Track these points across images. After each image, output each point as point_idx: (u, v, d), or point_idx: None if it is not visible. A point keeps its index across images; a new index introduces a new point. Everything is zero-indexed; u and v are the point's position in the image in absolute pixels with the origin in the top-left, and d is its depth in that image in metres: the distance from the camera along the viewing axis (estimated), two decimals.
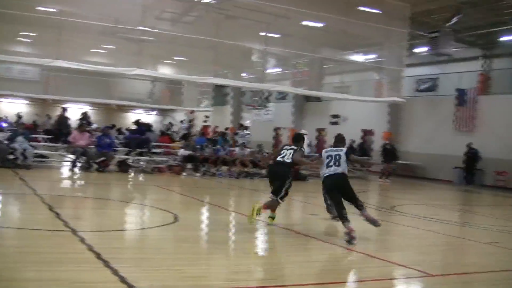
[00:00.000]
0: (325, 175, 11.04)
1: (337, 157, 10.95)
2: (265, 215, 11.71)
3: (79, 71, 28.32)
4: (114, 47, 35.85)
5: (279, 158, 11.83)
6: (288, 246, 10.30)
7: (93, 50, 37.25)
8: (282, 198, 11.61)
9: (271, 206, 11.78)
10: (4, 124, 24.33)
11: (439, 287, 7.58)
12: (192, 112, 46.37)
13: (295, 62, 34.49)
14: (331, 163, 10.95)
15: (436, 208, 18.05)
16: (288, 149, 11.83)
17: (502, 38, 28.21)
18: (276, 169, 11.84)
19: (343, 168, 10.93)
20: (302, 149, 12.30)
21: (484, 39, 29.05)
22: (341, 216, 10.65)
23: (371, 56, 32.44)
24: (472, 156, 27.04)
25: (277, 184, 11.68)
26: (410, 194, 22.96)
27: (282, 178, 11.60)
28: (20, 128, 23.70)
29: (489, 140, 27.12)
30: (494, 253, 10.62)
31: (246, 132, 30.57)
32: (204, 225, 12.50)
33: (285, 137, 40.10)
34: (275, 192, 11.62)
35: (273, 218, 11.97)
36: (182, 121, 40.75)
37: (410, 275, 8.12)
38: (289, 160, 11.67)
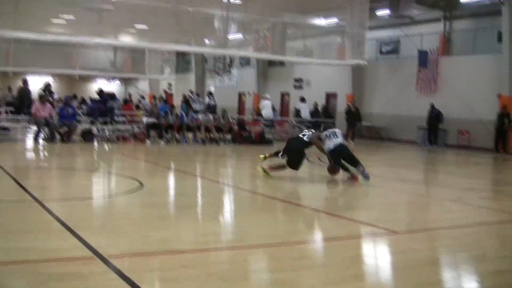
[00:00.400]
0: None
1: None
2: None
3: (39, 42, 27.97)
4: (74, 17, 35.34)
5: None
6: (255, 208, 10.39)
7: (52, 20, 36.69)
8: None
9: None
10: None
11: (404, 244, 7.68)
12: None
13: (257, 27, 34.36)
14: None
15: (400, 168, 18.27)
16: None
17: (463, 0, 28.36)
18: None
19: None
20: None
21: (445, 0, 29.17)
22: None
23: (333, 20, 32.42)
24: (435, 116, 27.32)
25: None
26: (374, 155, 23.16)
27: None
28: None
29: (451, 101, 27.39)
30: (457, 210, 10.80)
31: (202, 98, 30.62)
32: (170, 191, 12.50)
33: (249, 102, 40.11)
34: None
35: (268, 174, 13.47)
36: (143, 98, 40.32)
37: (376, 233, 8.22)
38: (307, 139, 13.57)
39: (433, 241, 8.04)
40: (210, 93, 33.36)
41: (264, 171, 13.46)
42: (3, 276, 5.58)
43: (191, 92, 34.48)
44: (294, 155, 13.60)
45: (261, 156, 14.00)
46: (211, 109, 27.82)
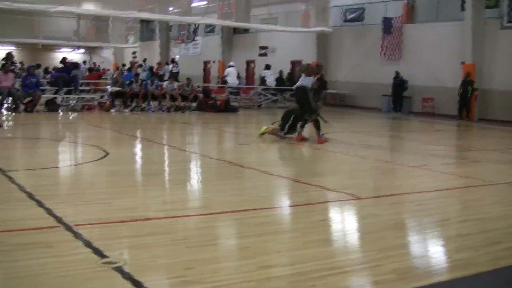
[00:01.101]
0: None
1: None
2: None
3: (1, 10, 27.51)
4: None
5: None
6: (220, 175, 10.41)
7: None
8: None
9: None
10: None
11: (369, 209, 7.76)
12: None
13: None
14: None
15: (365, 135, 18.41)
16: None
17: None
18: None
19: None
20: None
21: None
22: None
23: None
24: (399, 84, 27.47)
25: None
26: (339, 122, 23.24)
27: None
28: None
29: (415, 68, 27.55)
30: (421, 175, 10.93)
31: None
32: (136, 159, 12.46)
33: (214, 70, 39.97)
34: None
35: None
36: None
37: (340, 199, 8.30)
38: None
39: (397, 206, 8.14)
40: (173, 60, 33.20)
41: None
42: None
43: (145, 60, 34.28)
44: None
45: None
46: (173, 76, 27.62)
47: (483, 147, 16.90)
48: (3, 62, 23.85)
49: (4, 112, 20.70)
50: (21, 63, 34.85)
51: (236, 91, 28.75)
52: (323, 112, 25.56)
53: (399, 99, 27.69)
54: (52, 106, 22.09)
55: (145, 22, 45.32)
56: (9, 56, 27.11)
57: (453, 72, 25.86)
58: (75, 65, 26.83)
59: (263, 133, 14.78)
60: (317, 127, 14.41)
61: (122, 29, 47.07)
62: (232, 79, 29.26)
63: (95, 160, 10.73)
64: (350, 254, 5.80)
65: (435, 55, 26.92)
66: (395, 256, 5.60)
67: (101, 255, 5.23)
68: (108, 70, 37.55)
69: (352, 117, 26.66)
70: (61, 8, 25.59)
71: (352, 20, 32.46)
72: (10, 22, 38.54)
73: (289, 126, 14.54)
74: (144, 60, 34.88)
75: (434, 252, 6.11)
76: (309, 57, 32.41)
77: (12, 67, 24.70)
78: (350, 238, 6.51)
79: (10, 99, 21.06)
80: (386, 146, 16.75)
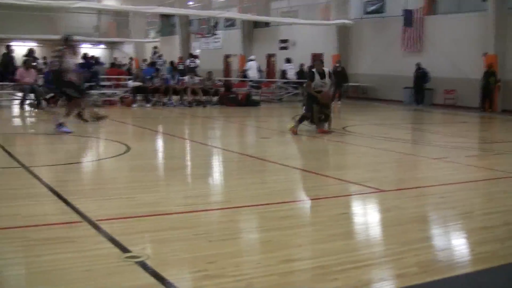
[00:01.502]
0: None
1: None
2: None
3: (22, 7, 27.71)
4: None
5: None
6: (243, 169, 10.42)
7: None
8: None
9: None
10: None
11: (391, 202, 7.73)
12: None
13: None
14: None
15: (387, 128, 18.31)
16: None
17: None
18: None
19: None
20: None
21: None
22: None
23: None
24: (421, 76, 27.28)
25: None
26: (361, 115, 23.21)
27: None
28: None
29: (437, 60, 27.34)
30: (443, 168, 10.86)
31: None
32: (158, 154, 12.50)
33: (235, 64, 39.96)
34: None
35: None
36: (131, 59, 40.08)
37: (363, 191, 8.26)
38: None
39: (420, 199, 8.09)
40: (191, 55, 33.19)
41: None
42: None
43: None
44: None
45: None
46: (191, 70, 27.62)
47: (507, 139, 16.76)
48: (25, 58, 23.97)
49: (27, 108, 20.84)
50: (44, 58, 34.99)
51: (257, 85, 28.74)
52: (345, 105, 25.58)
53: (421, 91, 27.50)
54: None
55: (166, 17, 45.36)
56: (30, 52, 27.27)
57: (475, 63, 25.64)
58: (96, 60, 26.95)
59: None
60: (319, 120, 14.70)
61: (142, 24, 47.20)
62: (253, 73, 29.25)
63: (117, 155, 10.77)
64: (372, 247, 5.78)
65: (457, 46, 26.70)
66: (418, 249, 5.57)
67: (124, 249, 5.25)
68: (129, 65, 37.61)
69: (374, 109, 26.55)
70: (82, 3, 25.73)
71: (372, 12, 32.30)
72: (31, 19, 38.82)
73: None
74: (159, 56, 34.82)
75: (458, 244, 6.08)
76: (330, 50, 32.36)
77: (34, 63, 24.84)
78: (373, 231, 6.48)
79: (32, 95, 21.18)
80: (408, 138, 16.67)
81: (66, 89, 13.99)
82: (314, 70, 15.35)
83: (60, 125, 13.85)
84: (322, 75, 15.10)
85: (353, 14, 32.14)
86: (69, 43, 13.95)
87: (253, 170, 10.34)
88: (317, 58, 16.40)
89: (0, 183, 8.37)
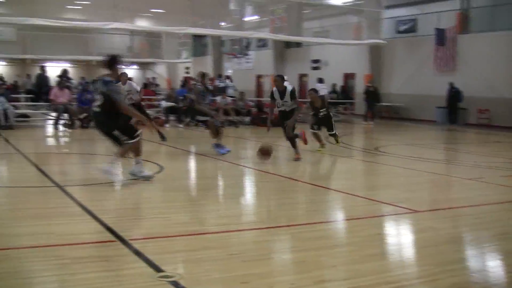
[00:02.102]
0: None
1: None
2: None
3: (56, 29, 28.12)
4: (89, 2, 35.43)
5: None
6: (275, 189, 10.39)
7: (68, 6, 36.87)
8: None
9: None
10: None
11: (425, 222, 7.66)
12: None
13: (273, 9, 34.28)
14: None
15: (420, 148, 18.16)
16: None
17: None
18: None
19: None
20: None
21: None
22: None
23: None
24: (454, 95, 27.06)
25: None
26: (394, 135, 23.08)
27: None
28: (0, 89, 23.55)
29: (470, 79, 27.13)
30: (478, 188, 10.74)
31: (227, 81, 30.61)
32: (191, 174, 12.52)
33: (267, 85, 40.02)
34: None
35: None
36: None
37: (396, 212, 8.19)
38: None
39: (454, 220, 8.02)
40: (219, 75, 33.29)
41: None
42: (26, 260, 5.64)
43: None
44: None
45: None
46: (220, 91, 27.64)
47: None
48: (59, 78, 24.27)
49: (61, 127, 21.05)
50: (82, 78, 35.32)
51: None
52: (378, 125, 25.46)
53: (454, 110, 27.27)
54: None
55: (198, 37, 45.64)
56: (64, 72, 27.60)
57: (509, 82, 25.41)
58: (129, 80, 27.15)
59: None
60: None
61: (175, 45, 47.49)
62: None
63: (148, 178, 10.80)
64: (407, 268, 5.73)
65: (491, 65, 26.49)
66: (453, 270, 5.51)
67: (157, 269, 5.26)
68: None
69: (407, 129, 26.39)
70: (115, 25, 25.92)
71: (404, 31, 32.22)
72: (65, 40, 39.31)
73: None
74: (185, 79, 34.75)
75: (493, 266, 6.00)
76: (362, 70, 32.33)
77: (67, 84, 25.14)
78: (407, 252, 6.42)
79: (66, 115, 21.40)
80: (442, 158, 16.51)
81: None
82: (274, 88, 14.19)
83: (218, 145, 14.17)
84: (282, 94, 13.91)
85: (385, 33, 32.06)
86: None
87: (286, 190, 10.33)
88: (279, 75, 15.22)
89: (35, 202, 8.46)
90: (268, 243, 6.62)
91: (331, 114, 15.32)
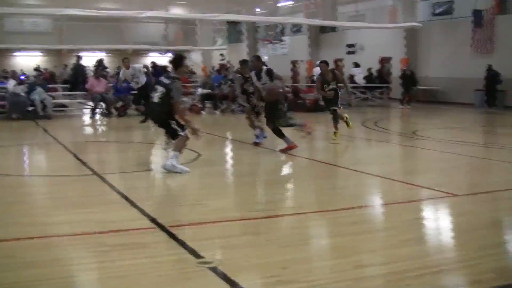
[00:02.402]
0: None
1: None
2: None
3: (91, 18, 28.32)
4: None
5: None
6: (312, 174, 10.39)
7: None
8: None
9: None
10: (22, 77, 24.32)
11: (465, 207, 7.58)
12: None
13: None
14: None
15: (458, 131, 17.97)
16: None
17: None
18: None
19: None
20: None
21: None
22: None
23: None
24: (492, 77, 26.62)
25: None
26: (431, 118, 22.85)
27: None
28: (38, 79, 23.81)
29: (509, 61, 26.65)
30: None
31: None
32: (227, 160, 12.54)
33: (303, 70, 39.91)
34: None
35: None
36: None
37: (435, 196, 8.12)
38: None
39: (494, 203, 7.93)
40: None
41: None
42: (66, 248, 5.72)
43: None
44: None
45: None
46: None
47: None
48: (95, 68, 24.45)
49: (97, 116, 21.23)
50: (118, 67, 35.51)
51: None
52: (414, 108, 25.25)
53: (493, 93, 26.84)
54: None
55: (232, 24, 45.66)
56: (100, 62, 27.77)
57: None
58: (164, 69, 27.29)
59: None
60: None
61: (209, 32, 47.57)
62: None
63: (188, 162, 10.83)
64: (446, 252, 5.68)
65: None
66: (495, 255, 5.45)
67: (196, 255, 5.28)
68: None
69: (444, 113, 26.08)
70: (150, 13, 26.07)
71: (440, 14, 31.80)
72: (100, 30, 39.58)
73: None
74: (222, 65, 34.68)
75: None
76: (398, 54, 32.04)
77: (103, 73, 25.34)
78: (446, 237, 6.37)
79: (102, 104, 21.58)
80: (481, 141, 16.30)
81: None
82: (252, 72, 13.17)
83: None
84: (258, 75, 12.84)
85: (421, 16, 31.70)
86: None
87: (324, 175, 10.30)
88: (254, 55, 14.28)
89: (74, 190, 8.56)
90: (306, 228, 6.62)
91: (338, 91, 14.36)
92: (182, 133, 9.73)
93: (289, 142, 12.23)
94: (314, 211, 7.30)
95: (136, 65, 18.40)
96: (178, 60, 10.12)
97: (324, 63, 14.49)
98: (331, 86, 14.10)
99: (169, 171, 9.62)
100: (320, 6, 33.15)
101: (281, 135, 12.40)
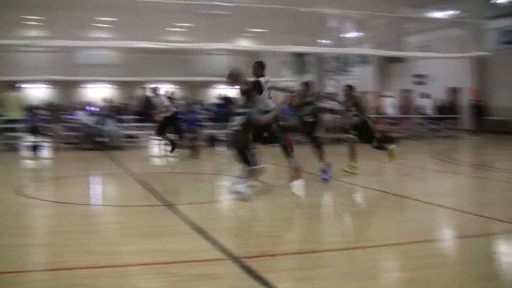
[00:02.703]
0: None
1: None
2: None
3: (159, 51, 28.80)
4: (191, 24, 36.16)
5: None
6: (383, 207, 10.23)
7: (169, 29, 37.76)
8: None
9: None
10: (93, 108, 24.82)
11: None
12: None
13: (374, 24, 33.97)
14: None
15: None
16: None
17: None
18: None
19: None
20: None
21: None
22: None
23: (451, 12, 31.68)
24: None
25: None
26: (503, 149, 22.36)
27: None
28: (107, 111, 24.26)
29: None
30: None
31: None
32: (298, 191, 12.44)
33: (371, 100, 39.67)
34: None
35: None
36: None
37: (511, 230, 7.90)
38: None
39: None
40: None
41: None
42: (137, 277, 5.75)
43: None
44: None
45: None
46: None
47: None
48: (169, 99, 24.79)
49: (165, 148, 21.45)
50: (186, 98, 35.97)
51: (394, 121, 28.33)
52: (485, 139, 24.75)
53: None
54: (212, 141, 22.70)
55: (298, 55, 45.80)
56: (172, 94, 28.13)
57: None
58: (230, 100, 27.52)
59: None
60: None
61: (275, 63, 47.79)
62: (389, 110, 28.97)
63: (258, 193, 10.80)
64: None
65: None
66: None
67: (270, 287, 5.23)
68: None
69: None
70: (217, 45, 26.37)
71: (510, 42, 31.27)
72: (168, 62, 40.20)
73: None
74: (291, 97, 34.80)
75: None
76: (466, 83, 31.56)
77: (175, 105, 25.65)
78: None
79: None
80: None
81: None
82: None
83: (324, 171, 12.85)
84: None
85: (490, 45, 31.23)
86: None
87: (395, 207, 10.13)
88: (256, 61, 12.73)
89: (144, 220, 8.63)
90: (380, 261, 6.51)
91: (367, 121, 13.87)
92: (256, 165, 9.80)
93: (294, 165, 12.04)
94: (387, 244, 7.17)
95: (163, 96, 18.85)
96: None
97: (348, 87, 14.26)
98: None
99: (235, 193, 9.65)
100: (386, 37, 32.96)
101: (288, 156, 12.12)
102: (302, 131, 13.45)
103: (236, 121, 9.98)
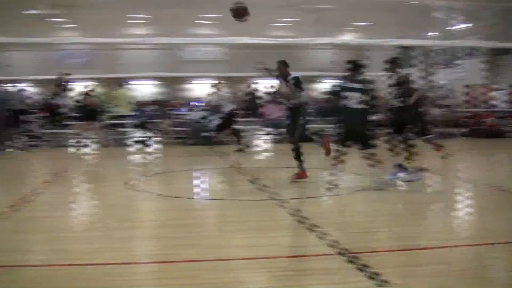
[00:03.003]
0: None
1: None
2: None
3: (261, 46, 28.94)
4: (296, 19, 36.19)
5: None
6: (494, 203, 9.85)
7: (273, 24, 37.92)
8: None
9: None
10: (197, 104, 25.21)
11: None
12: None
13: (482, 15, 33.02)
14: None
15: None
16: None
17: None
18: None
19: None
20: None
21: None
22: None
23: None
24: None
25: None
26: None
27: None
28: (212, 107, 24.59)
29: None
30: None
31: None
32: (404, 187, 12.15)
33: (480, 95, 38.58)
34: None
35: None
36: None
37: None
38: None
39: None
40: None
41: None
42: (247, 271, 5.77)
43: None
44: None
45: None
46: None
47: None
48: (272, 94, 24.94)
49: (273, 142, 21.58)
50: None
51: (505, 116, 27.39)
52: None
53: None
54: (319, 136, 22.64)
55: (403, 49, 45.09)
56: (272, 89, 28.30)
57: None
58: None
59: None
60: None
61: (378, 57, 47.24)
62: (500, 103, 28.16)
63: (360, 190, 10.67)
64: None
65: None
66: None
67: (378, 283, 5.14)
68: None
69: None
70: (321, 40, 26.25)
71: None
72: (272, 57, 40.36)
73: None
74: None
75: None
76: None
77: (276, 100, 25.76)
78: None
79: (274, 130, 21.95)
80: None
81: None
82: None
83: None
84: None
85: None
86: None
87: (507, 204, 9.75)
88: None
89: (251, 215, 8.65)
90: (492, 259, 6.27)
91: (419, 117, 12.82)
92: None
93: (301, 168, 11.87)
94: (498, 242, 6.87)
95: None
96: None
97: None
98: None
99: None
100: (496, 28, 31.94)
101: (298, 157, 11.97)
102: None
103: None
